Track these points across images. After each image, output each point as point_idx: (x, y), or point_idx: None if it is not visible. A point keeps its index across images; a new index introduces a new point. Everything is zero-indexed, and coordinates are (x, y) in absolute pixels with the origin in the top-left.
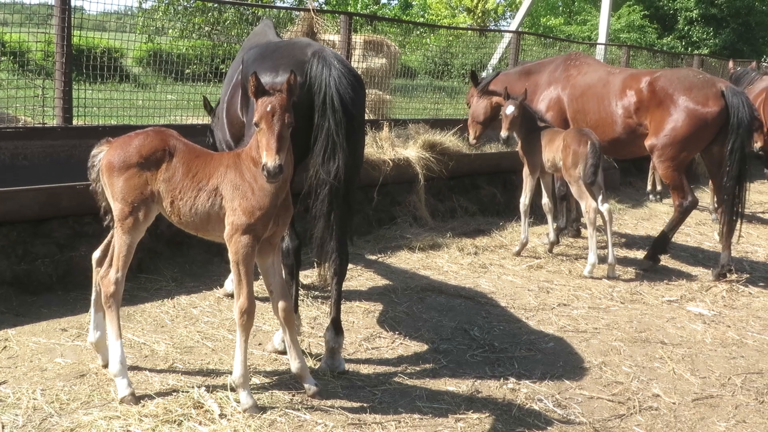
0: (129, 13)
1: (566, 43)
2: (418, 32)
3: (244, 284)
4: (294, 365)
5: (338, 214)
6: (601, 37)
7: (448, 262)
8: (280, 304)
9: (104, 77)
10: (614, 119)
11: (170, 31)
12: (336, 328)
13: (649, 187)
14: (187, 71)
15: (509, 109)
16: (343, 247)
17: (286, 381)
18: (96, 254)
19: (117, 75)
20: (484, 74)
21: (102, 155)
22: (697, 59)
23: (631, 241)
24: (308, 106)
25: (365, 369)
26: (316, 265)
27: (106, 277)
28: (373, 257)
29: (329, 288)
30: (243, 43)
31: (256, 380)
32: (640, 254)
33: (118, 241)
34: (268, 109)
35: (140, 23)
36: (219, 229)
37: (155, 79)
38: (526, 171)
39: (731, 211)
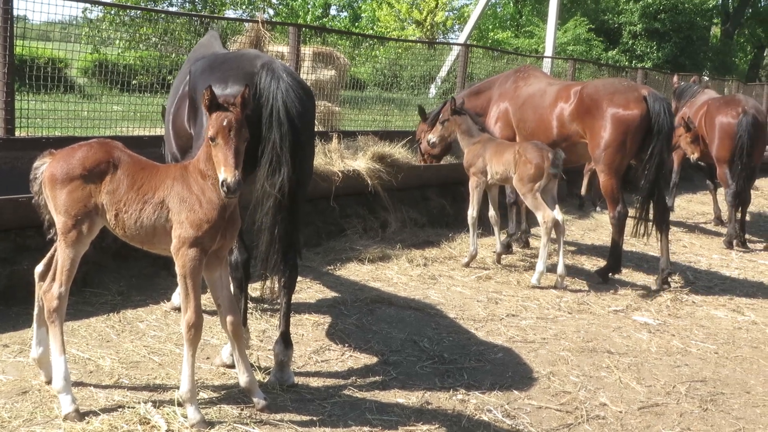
0: (74, 23)
1: (513, 56)
2: (368, 44)
3: (191, 298)
4: (242, 379)
5: (283, 227)
6: (548, 51)
7: (398, 274)
8: (228, 318)
9: (48, 88)
10: (549, 128)
11: (117, 41)
12: (285, 341)
13: (583, 192)
14: (134, 82)
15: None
16: (292, 260)
17: (234, 395)
18: (39, 268)
19: (61, 85)
20: (432, 87)
21: (44, 167)
22: (641, 72)
23: (578, 251)
24: (257, 119)
25: (315, 382)
26: (263, 278)
27: (49, 291)
28: (323, 269)
29: (278, 301)
30: (189, 55)
31: (204, 395)
32: (587, 264)
33: (62, 254)
34: (225, 123)
35: (85, 33)
36: (165, 242)
37: (101, 89)
38: (472, 183)
39: (643, 216)
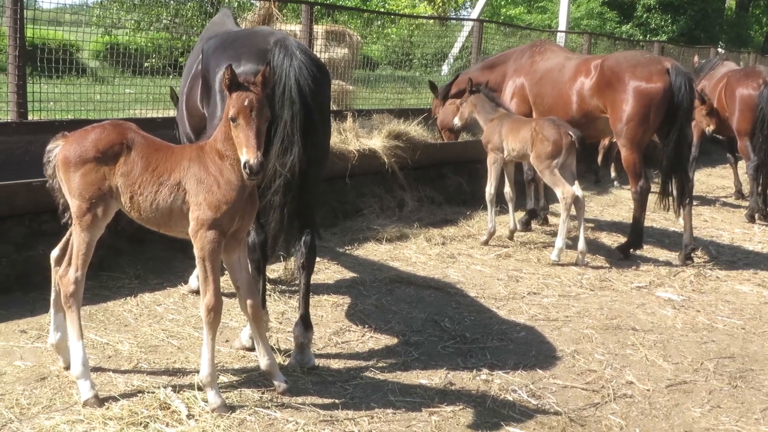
0: (84, 6)
1: (527, 31)
2: (380, 22)
3: (210, 281)
4: (263, 362)
5: (294, 206)
6: (561, 25)
7: (416, 253)
8: (248, 301)
9: (60, 71)
10: (569, 103)
11: (127, 23)
12: (305, 323)
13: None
14: (146, 64)
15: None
16: (309, 241)
17: (255, 379)
18: (54, 253)
19: (73, 69)
20: (444, 64)
21: (57, 150)
22: (657, 46)
23: (597, 227)
24: (270, 97)
25: (336, 364)
26: (283, 259)
27: (65, 276)
28: (341, 249)
29: (297, 282)
30: (202, 34)
31: (224, 378)
32: (607, 240)
33: (77, 238)
34: (246, 103)
35: (95, 16)
36: (182, 225)
37: (113, 72)
38: (490, 159)
39: (665, 191)
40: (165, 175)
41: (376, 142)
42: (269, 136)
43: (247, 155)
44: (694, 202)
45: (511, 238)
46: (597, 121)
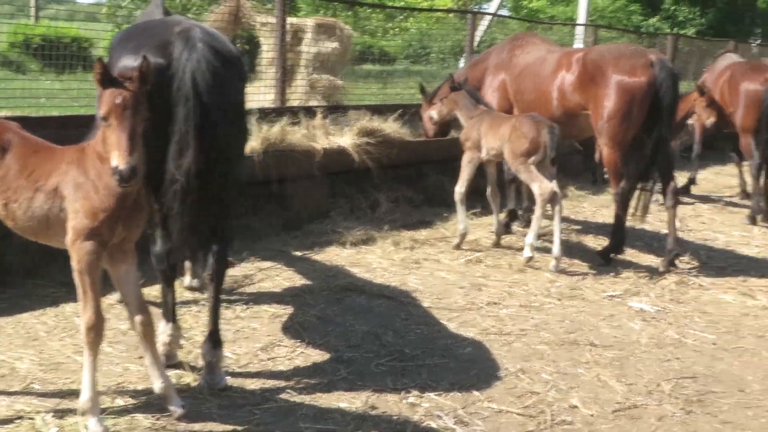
0: None
1: (547, 25)
2: (401, 17)
3: (89, 297)
4: (157, 385)
5: (196, 214)
6: (581, 18)
7: (380, 258)
8: (138, 318)
9: None
10: (549, 99)
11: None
12: (213, 340)
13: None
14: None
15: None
16: (218, 252)
17: (153, 402)
18: None
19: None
20: (462, 59)
21: None
22: (671, 39)
23: (586, 229)
24: (166, 93)
25: (253, 384)
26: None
27: None
28: (299, 254)
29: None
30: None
31: (120, 401)
32: (593, 243)
33: None
34: (118, 101)
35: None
36: (62, 235)
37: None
38: (465, 158)
39: (642, 194)
40: (42, 180)
41: (347, 139)
42: (166, 137)
43: (117, 160)
44: (697, 203)
45: (497, 243)
46: (578, 118)
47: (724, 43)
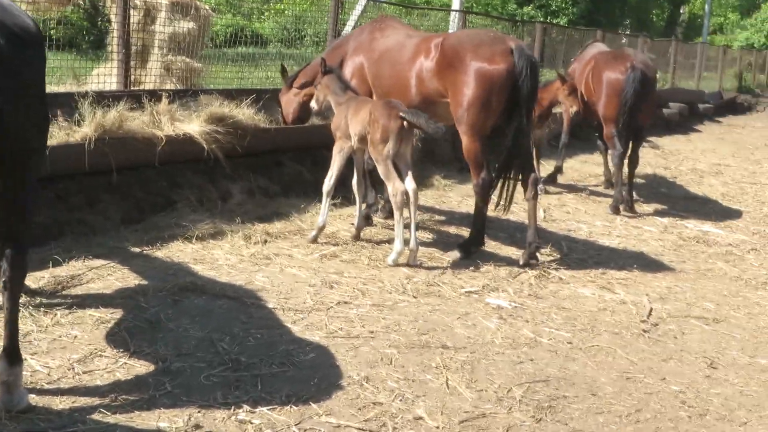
0: None
1: (425, 10)
2: None
3: None
4: None
5: None
6: (455, 4)
7: (228, 254)
8: None
9: None
10: (407, 86)
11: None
12: (10, 356)
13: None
14: None
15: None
16: (14, 256)
17: None
18: None
19: None
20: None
21: None
22: (539, 27)
23: (449, 220)
24: None
25: (62, 403)
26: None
27: None
28: (137, 250)
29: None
30: None
31: None
32: (455, 234)
33: None
34: None
35: None
36: None
37: None
38: (336, 148)
39: (503, 186)
40: None
41: (194, 126)
42: None
43: None
44: (563, 191)
45: (357, 237)
46: (437, 106)
47: (593, 32)
